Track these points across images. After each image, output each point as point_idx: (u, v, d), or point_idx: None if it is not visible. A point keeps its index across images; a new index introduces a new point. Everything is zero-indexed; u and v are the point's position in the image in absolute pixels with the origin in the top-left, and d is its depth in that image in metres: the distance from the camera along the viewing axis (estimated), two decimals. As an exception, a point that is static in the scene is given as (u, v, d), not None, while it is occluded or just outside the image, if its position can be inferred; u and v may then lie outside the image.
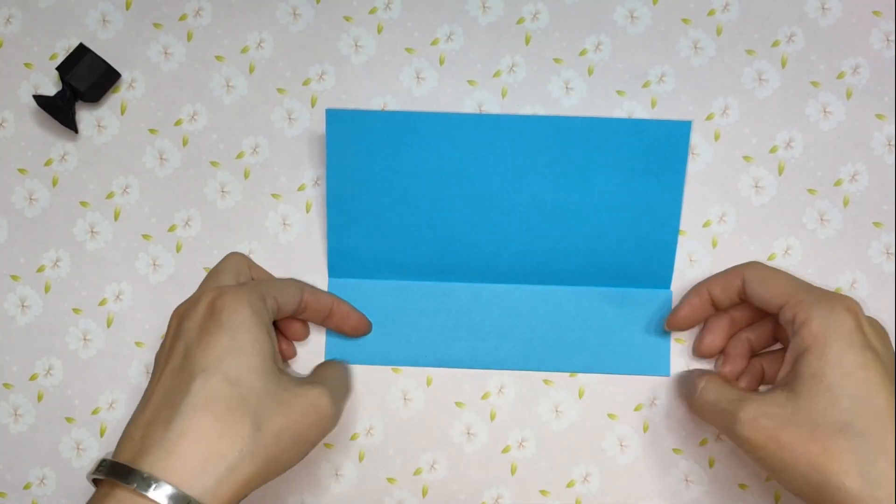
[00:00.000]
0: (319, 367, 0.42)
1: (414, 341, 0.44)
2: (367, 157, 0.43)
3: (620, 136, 0.43)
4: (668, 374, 0.44)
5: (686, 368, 0.44)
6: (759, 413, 0.35)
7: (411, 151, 0.43)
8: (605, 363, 0.44)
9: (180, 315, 0.37)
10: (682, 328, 0.43)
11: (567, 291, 0.44)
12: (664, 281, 0.44)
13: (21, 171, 0.46)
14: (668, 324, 0.43)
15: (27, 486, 0.45)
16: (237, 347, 0.35)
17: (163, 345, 0.38)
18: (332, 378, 0.40)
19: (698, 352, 0.43)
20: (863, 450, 0.33)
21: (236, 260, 0.42)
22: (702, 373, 0.41)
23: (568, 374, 0.44)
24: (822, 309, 0.35)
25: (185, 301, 0.38)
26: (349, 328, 0.43)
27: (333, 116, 0.42)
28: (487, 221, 0.44)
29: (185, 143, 0.46)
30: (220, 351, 0.35)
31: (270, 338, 0.37)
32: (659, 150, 0.42)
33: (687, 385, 0.41)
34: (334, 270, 0.45)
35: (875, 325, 0.36)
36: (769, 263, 0.42)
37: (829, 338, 0.35)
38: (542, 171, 0.43)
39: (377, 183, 0.43)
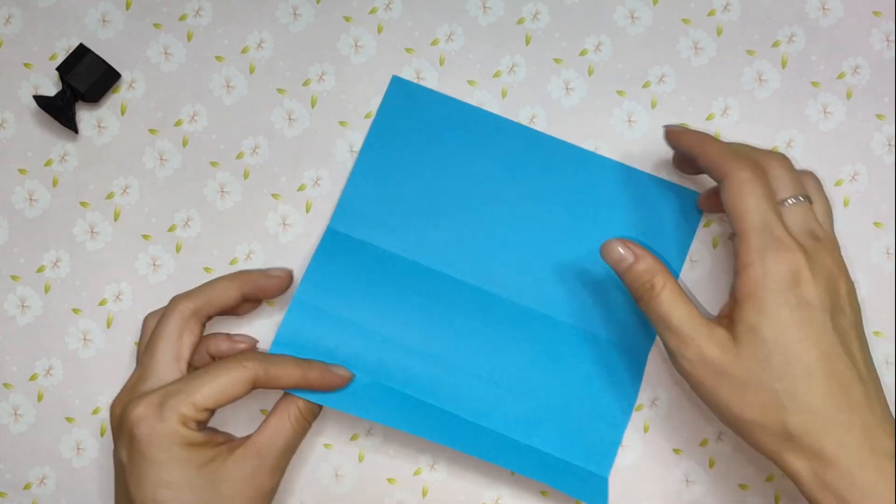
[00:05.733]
0: (261, 430, 0.39)
1: (376, 315, 0.42)
2: (413, 129, 0.45)
3: (646, 190, 0.44)
4: (606, 475, 0.43)
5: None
6: (701, 355, 0.36)
7: (452, 139, 0.44)
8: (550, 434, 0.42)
9: (115, 426, 0.38)
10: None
11: (549, 321, 0.43)
12: (645, 344, 0.44)
13: (21, 171, 0.46)
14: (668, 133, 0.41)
15: (27, 486, 0.45)
16: (166, 481, 0.36)
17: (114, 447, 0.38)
18: (270, 446, 0.39)
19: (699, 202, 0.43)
20: (786, 405, 0.34)
21: (170, 328, 0.39)
22: (657, 268, 0.37)
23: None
24: (767, 258, 0.35)
25: (118, 400, 0.38)
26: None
27: (396, 83, 0.45)
28: (498, 230, 0.44)
29: (185, 143, 0.46)
30: (151, 485, 0.36)
31: (198, 453, 0.37)
32: (672, 214, 0.44)
33: (643, 279, 0.38)
34: (337, 221, 0.44)
35: (825, 278, 0.36)
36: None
37: (767, 290, 0.35)
38: (559, 200, 0.44)
39: (412, 156, 0.44)
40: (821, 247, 0.36)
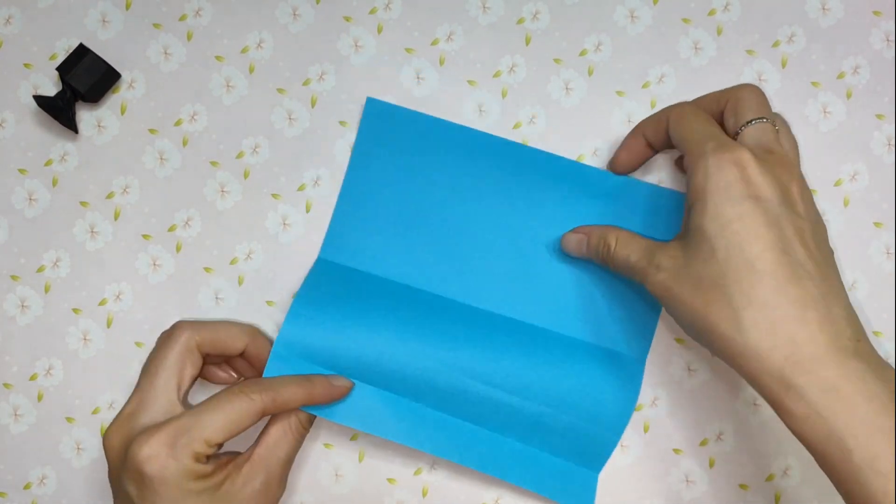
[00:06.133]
0: (263, 442, 0.39)
1: (368, 337, 0.41)
2: (393, 151, 0.44)
3: (631, 196, 0.44)
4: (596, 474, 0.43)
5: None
6: (658, 271, 0.37)
7: (433, 158, 0.44)
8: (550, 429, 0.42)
9: (115, 458, 0.37)
10: (624, 170, 0.44)
11: (546, 334, 0.43)
12: (642, 351, 0.44)
13: (21, 171, 0.46)
14: (610, 165, 0.44)
15: (27, 486, 0.45)
16: None
17: (110, 476, 0.38)
18: (275, 458, 0.39)
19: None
20: (734, 300, 0.34)
21: (173, 358, 0.39)
22: (606, 231, 0.41)
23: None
24: (708, 161, 0.36)
25: (116, 428, 0.37)
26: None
27: (372, 105, 0.45)
28: (487, 247, 0.44)
29: (185, 143, 0.46)
30: None
31: (210, 481, 0.36)
32: (656, 217, 0.44)
33: (599, 245, 0.41)
34: (328, 251, 0.44)
35: (771, 179, 0.35)
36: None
37: (707, 192, 0.36)
38: (552, 213, 0.44)
39: (394, 179, 0.44)
40: (773, 158, 0.36)
